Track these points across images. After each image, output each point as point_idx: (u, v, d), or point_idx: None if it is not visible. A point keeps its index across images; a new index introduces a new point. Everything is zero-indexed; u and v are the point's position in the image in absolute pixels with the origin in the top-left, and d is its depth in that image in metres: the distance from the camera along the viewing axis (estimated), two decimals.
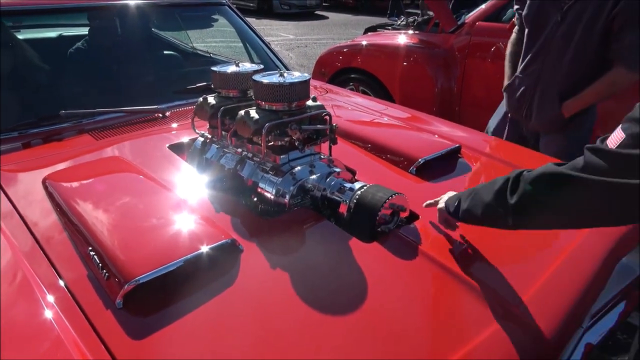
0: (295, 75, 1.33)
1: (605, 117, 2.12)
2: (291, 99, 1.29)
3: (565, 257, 1.20)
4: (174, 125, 1.78)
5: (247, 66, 1.50)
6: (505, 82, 2.12)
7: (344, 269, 1.10)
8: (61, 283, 0.99)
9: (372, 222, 1.18)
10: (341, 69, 3.92)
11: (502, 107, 2.24)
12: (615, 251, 1.28)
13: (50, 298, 0.95)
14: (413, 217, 1.29)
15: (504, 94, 2.15)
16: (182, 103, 1.93)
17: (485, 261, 1.15)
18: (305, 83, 1.32)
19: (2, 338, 0.84)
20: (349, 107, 2.16)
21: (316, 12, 16.37)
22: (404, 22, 4.03)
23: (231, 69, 1.46)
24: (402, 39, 3.66)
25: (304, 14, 15.50)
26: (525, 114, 2.04)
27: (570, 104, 1.89)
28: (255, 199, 1.34)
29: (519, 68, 2.05)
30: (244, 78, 1.45)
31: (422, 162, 1.55)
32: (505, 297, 1.03)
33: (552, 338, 0.99)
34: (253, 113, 1.30)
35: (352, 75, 3.85)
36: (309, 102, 1.38)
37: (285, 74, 1.32)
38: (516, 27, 2.18)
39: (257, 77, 1.31)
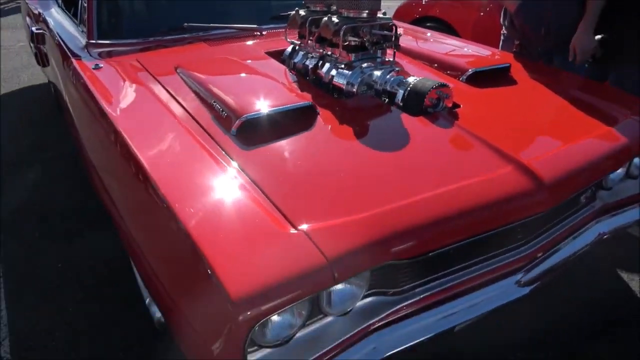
0: None
1: None
2: (365, 8, 1.63)
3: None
4: (270, 40, 2.19)
5: None
6: (514, 7, 2.24)
7: (395, 129, 1.45)
8: (196, 125, 1.43)
9: (421, 100, 1.51)
10: (418, 18, 4.14)
11: (506, 42, 2.44)
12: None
13: (192, 131, 1.39)
14: (455, 106, 1.60)
15: (514, 17, 2.27)
16: (275, 26, 2.32)
17: (508, 131, 1.45)
18: None
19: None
20: (420, 35, 2.45)
21: None
22: None
23: None
24: None
25: None
26: (545, 30, 2.19)
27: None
28: (331, 87, 1.70)
29: None
30: None
31: (471, 72, 1.84)
32: (519, 153, 1.32)
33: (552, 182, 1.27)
34: (334, 18, 1.66)
35: (429, 24, 4.05)
36: (380, 14, 1.71)
37: None
38: None
39: None
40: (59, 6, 2.91)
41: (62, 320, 1.89)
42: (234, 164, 1.24)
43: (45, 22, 2.80)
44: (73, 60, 2.00)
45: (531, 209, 1.25)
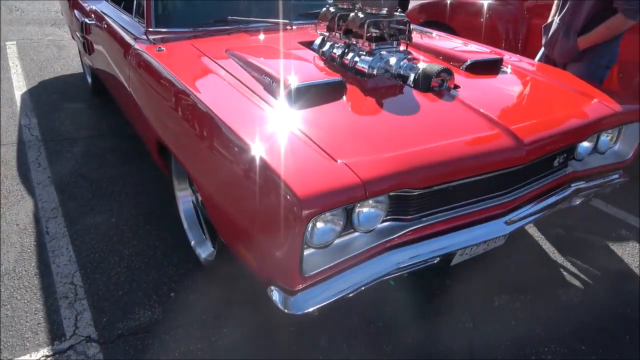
0: None
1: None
2: (384, 6, 2.02)
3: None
4: (300, 33, 2.58)
5: None
6: (548, 22, 2.74)
7: (408, 101, 1.83)
8: (251, 92, 1.81)
9: (429, 80, 1.89)
10: (422, 23, 4.54)
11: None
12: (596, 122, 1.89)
13: (247, 95, 1.77)
14: (456, 87, 1.99)
15: (543, 31, 2.78)
16: (303, 22, 2.72)
17: (498, 106, 1.84)
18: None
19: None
20: (427, 34, 2.85)
21: None
22: None
23: None
24: None
25: None
26: (553, 47, 2.67)
27: (583, 39, 2.49)
28: (355, 71, 2.09)
29: (557, 14, 2.66)
30: None
31: (469, 63, 2.22)
32: (505, 121, 1.71)
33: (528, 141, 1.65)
34: (360, 14, 2.05)
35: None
36: (397, 13, 2.10)
37: None
38: None
39: None
40: (108, 1, 3.29)
41: (123, 261, 2.27)
42: (286, 120, 1.62)
43: (97, 15, 3.18)
44: (136, 44, 2.38)
45: (513, 161, 1.63)
